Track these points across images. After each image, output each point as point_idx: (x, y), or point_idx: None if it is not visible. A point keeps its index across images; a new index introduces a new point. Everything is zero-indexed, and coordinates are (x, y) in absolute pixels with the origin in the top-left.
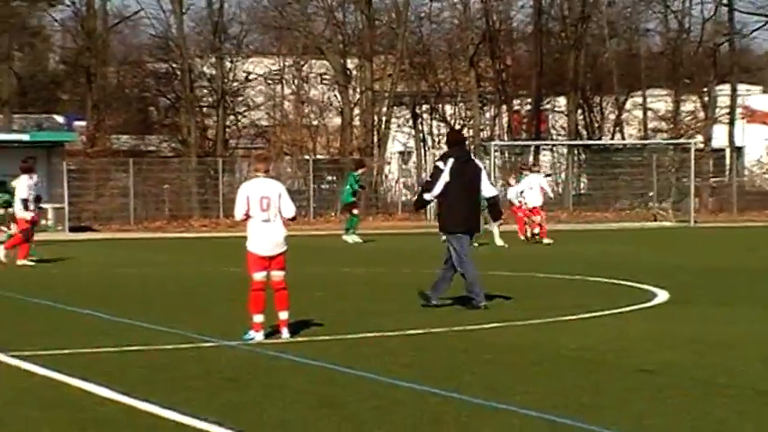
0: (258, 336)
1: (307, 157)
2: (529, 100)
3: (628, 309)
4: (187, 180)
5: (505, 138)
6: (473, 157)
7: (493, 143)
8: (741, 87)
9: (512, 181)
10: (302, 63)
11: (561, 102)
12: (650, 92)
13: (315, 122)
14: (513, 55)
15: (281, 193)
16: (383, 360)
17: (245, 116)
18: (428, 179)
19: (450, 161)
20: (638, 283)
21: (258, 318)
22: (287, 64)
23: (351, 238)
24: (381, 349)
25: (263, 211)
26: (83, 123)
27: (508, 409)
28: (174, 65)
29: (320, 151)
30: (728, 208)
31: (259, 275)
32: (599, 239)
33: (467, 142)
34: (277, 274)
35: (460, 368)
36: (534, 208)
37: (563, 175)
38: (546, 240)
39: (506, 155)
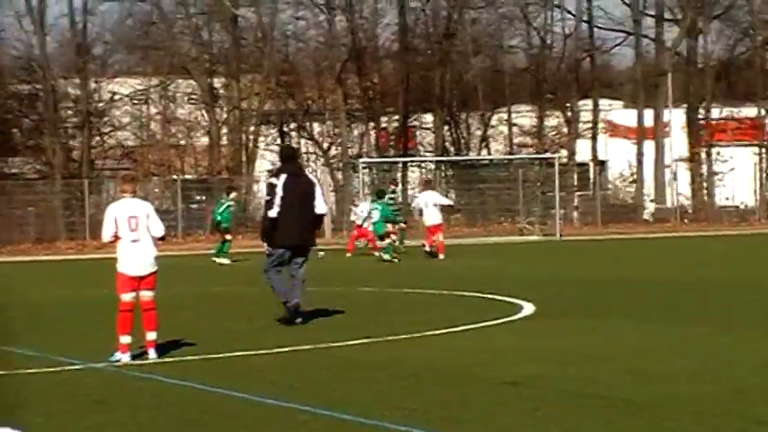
0: (125, 357)
1: (174, 176)
2: (396, 117)
3: (495, 322)
4: (53, 202)
5: (373, 155)
6: (306, 173)
7: (361, 160)
8: (603, 102)
9: (356, 201)
10: (168, 83)
11: (428, 118)
12: (515, 107)
13: (182, 142)
14: (379, 72)
15: (149, 213)
16: (251, 379)
17: (111, 136)
18: (266, 198)
19: (283, 177)
20: (506, 297)
21: (125, 339)
22: (153, 84)
23: (224, 260)
24: (249, 368)
25: (132, 231)
26: None
27: (378, 424)
28: (38, 86)
29: (188, 171)
30: (593, 221)
31: (127, 296)
32: (467, 254)
33: (300, 158)
34: (146, 295)
35: (328, 385)
36: (433, 226)
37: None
38: (441, 256)
39: (374, 171)
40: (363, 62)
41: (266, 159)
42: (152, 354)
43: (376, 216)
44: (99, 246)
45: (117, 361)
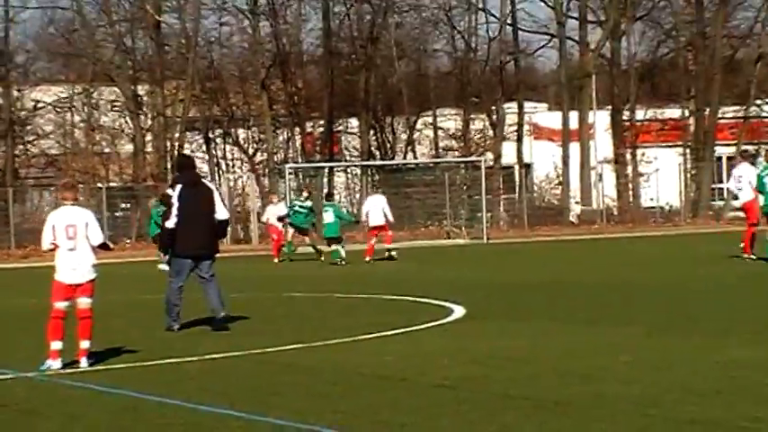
0: (55, 364)
1: (99, 185)
2: (321, 122)
3: (425, 325)
4: None
5: (299, 160)
6: (203, 181)
7: (287, 165)
8: (528, 105)
9: (274, 199)
10: (92, 90)
11: (354, 123)
12: (440, 111)
13: (107, 150)
14: (304, 77)
15: (89, 221)
16: (184, 386)
17: (34, 145)
18: (164, 209)
19: (179, 187)
20: (435, 300)
21: (56, 345)
22: (76, 91)
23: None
24: (181, 375)
25: (69, 239)
26: None
27: (313, 429)
28: None
29: (113, 179)
30: (520, 224)
31: (61, 304)
32: (395, 259)
33: (195, 166)
34: (84, 302)
35: (261, 391)
36: (378, 227)
37: (357, 196)
38: (368, 258)
39: (300, 177)
40: (288, 67)
41: None
42: (84, 363)
43: (330, 218)
44: (23, 255)
45: (48, 368)
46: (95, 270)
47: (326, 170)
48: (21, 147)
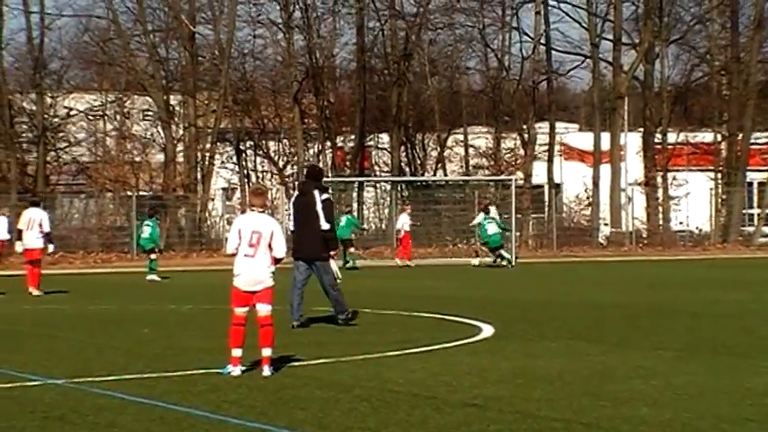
0: (235, 370)
1: (129, 193)
2: (352, 136)
3: (453, 343)
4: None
5: (329, 174)
6: (311, 191)
7: None
8: (559, 125)
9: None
10: (124, 99)
11: (384, 138)
12: (471, 129)
13: (137, 159)
14: (336, 92)
15: (274, 231)
16: (211, 397)
17: (66, 152)
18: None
19: (295, 195)
20: (463, 318)
21: (236, 352)
22: (109, 100)
23: (156, 277)
24: (209, 386)
25: (251, 247)
26: None
27: None
28: None
29: (143, 188)
30: (548, 244)
31: (240, 310)
32: (423, 275)
33: (316, 176)
34: (263, 309)
35: (290, 404)
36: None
37: (386, 212)
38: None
39: (330, 191)
40: (320, 81)
41: (222, 177)
42: (266, 371)
43: (342, 222)
44: (53, 261)
45: (229, 373)
46: (272, 278)
47: (356, 185)
48: (52, 153)
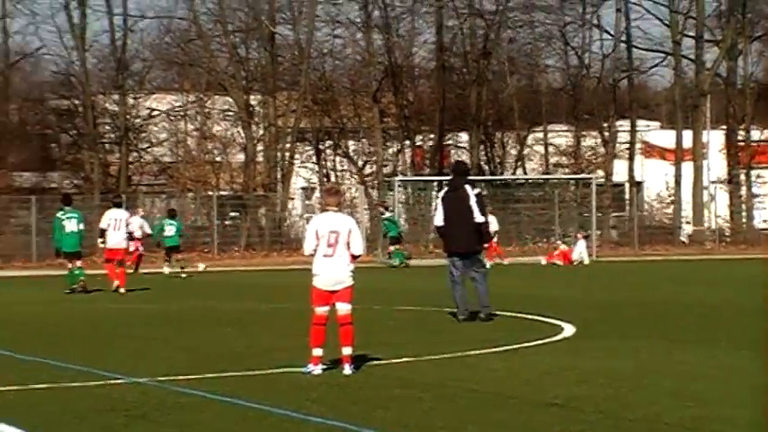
0: (316, 369)
1: (210, 192)
2: (432, 135)
3: (535, 343)
4: (90, 217)
5: (408, 173)
6: (463, 186)
7: (396, 178)
8: (640, 123)
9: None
10: (205, 99)
11: (463, 137)
12: (551, 127)
13: (218, 158)
14: (415, 90)
15: (352, 229)
16: (293, 396)
17: (147, 152)
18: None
19: (443, 190)
20: (545, 318)
21: (317, 351)
22: (190, 100)
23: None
24: (291, 385)
25: (330, 246)
26: None
27: None
28: (77, 101)
29: (223, 187)
30: (630, 242)
31: (321, 309)
32: (503, 274)
33: (465, 171)
34: (343, 308)
35: (371, 403)
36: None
37: None
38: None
39: (409, 190)
40: (399, 80)
41: (301, 176)
42: (347, 369)
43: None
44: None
45: (309, 372)
46: (352, 277)
47: (435, 184)
48: (134, 154)
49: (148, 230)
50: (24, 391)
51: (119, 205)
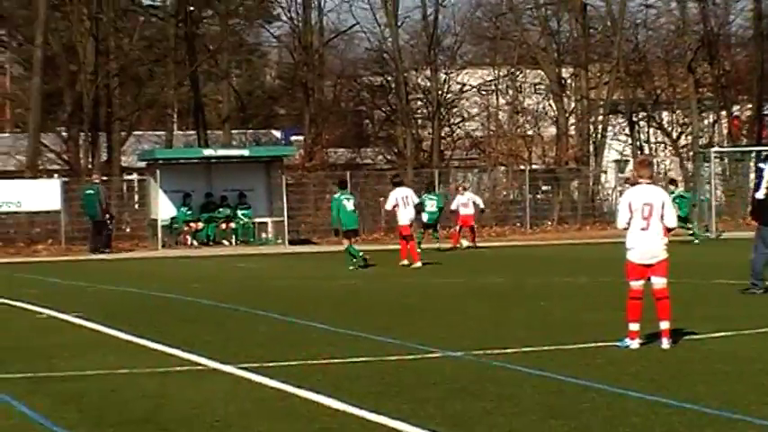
0: (633, 344)
1: (522, 167)
2: (749, 105)
3: None
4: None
5: (725, 144)
6: None
7: (712, 150)
8: None
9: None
10: (517, 73)
11: None
12: None
13: (530, 132)
14: (732, 59)
15: (665, 202)
16: (609, 370)
17: (459, 127)
18: (756, 181)
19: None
20: None
21: (634, 326)
22: (501, 74)
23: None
24: (606, 359)
25: (644, 219)
26: (300, 138)
27: (744, 419)
28: (389, 78)
29: (535, 161)
30: None
31: (636, 284)
32: None
33: None
34: (659, 282)
35: (690, 378)
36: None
37: None
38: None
39: (726, 161)
40: (716, 49)
41: (614, 149)
42: (665, 343)
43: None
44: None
45: (626, 347)
46: (667, 250)
47: (754, 154)
48: (446, 129)
49: (481, 205)
50: (345, 365)
51: (400, 184)
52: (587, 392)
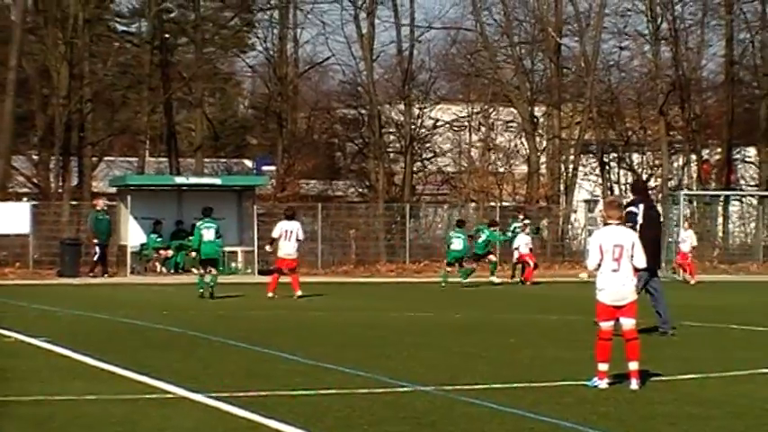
0: (602, 383)
1: (493, 203)
2: (719, 149)
3: None
4: (374, 225)
5: (694, 187)
6: (655, 205)
7: (682, 192)
8: None
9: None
10: (490, 110)
11: (751, 151)
12: None
13: (501, 169)
14: (702, 104)
15: (635, 242)
16: (578, 409)
17: (431, 162)
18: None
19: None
20: None
21: (602, 366)
22: (474, 111)
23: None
24: (577, 398)
25: (614, 261)
26: (271, 168)
27: None
28: (363, 111)
29: (506, 198)
30: None
31: (606, 324)
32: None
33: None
34: (628, 323)
35: (659, 419)
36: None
37: (752, 225)
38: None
39: (695, 204)
40: (687, 93)
41: (584, 189)
42: (634, 384)
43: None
44: (417, 270)
45: (595, 386)
46: (636, 291)
47: (722, 198)
48: (418, 164)
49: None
50: (315, 396)
51: (291, 217)
52: (557, 431)
